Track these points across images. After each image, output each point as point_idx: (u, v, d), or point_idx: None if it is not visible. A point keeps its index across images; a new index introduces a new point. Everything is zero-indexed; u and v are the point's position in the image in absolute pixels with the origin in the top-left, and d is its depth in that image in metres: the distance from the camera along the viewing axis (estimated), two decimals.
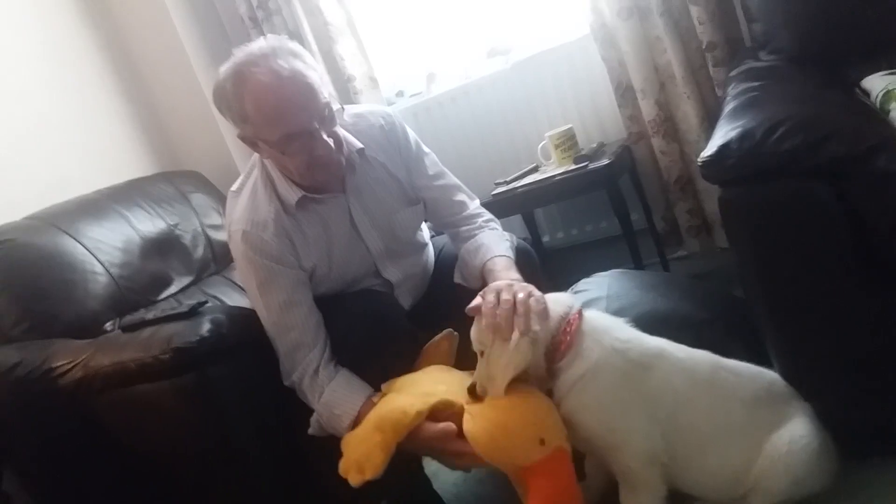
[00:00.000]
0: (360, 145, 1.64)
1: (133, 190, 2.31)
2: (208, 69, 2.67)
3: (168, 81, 2.71)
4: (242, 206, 1.61)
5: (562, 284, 1.96)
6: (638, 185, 2.46)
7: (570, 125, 2.40)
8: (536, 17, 2.59)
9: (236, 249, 1.61)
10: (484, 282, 1.58)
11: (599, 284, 1.84)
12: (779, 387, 1.43)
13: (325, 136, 1.50)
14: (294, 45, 1.53)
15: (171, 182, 2.42)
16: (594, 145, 2.42)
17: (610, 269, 2.13)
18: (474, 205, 1.78)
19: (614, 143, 2.43)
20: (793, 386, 1.44)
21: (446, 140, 2.67)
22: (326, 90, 1.53)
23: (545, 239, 2.71)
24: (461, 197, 1.78)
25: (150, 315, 1.82)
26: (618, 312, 1.69)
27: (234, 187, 1.67)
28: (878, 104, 1.57)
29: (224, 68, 1.52)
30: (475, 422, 1.36)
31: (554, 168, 2.37)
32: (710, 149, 1.41)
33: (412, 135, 1.76)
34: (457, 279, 1.71)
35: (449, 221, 1.76)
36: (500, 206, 2.37)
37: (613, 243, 2.50)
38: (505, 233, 1.74)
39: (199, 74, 2.67)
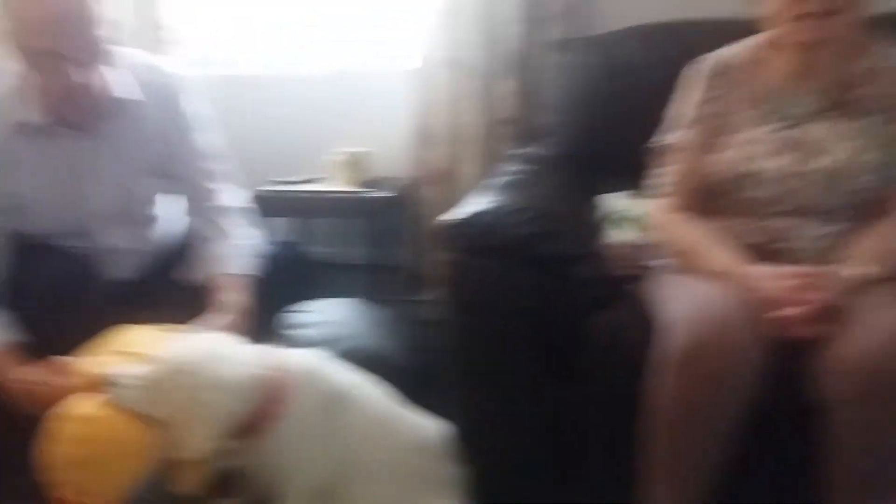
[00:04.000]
0: (135, 97, 1.55)
1: None
2: None
3: None
4: None
5: (311, 298, 1.97)
6: (409, 223, 2.52)
7: (365, 149, 2.42)
8: (372, 38, 2.60)
9: None
10: (208, 286, 1.55)
11: (325, 310, 1.86)
12: (441, 449, 1.49)
13: (80, 71, 1.41)
14: None
15: None
16: (380, 175, 2.45)
17: (360, 294, 2.18)
18: (236, 200, 1.72)
19: (398, 180, 2.49)
20: (463, 449, 1.52)
21: (240, 121, 2.58)
22: (104, 27, 1.44)
23: (312, 248, 2.69)
24: (223, 188, 1.72)
25: None
26: (335, 340, 1.73)
27: None
28: (607, 217, 1.75)
29: None
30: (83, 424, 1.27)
31: (338, 184, 2.38)
32: (455, 214, 1.50)
33: (204, 109, 1.69)
34: (182, 272, 1.64)
35: (199, 207, 1.69)
36: (274, 205, 2.34)
37: (371, 271, 2.54)
38: (251, 241, 1.68)
39: None
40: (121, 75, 1.53)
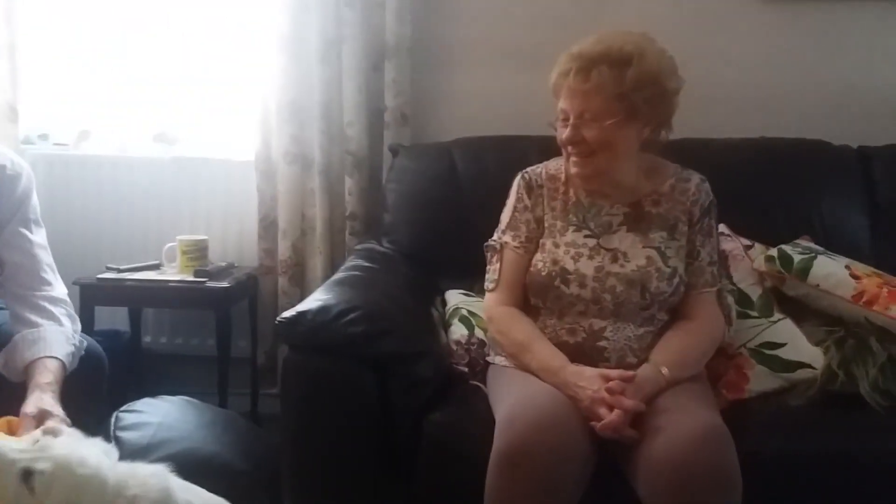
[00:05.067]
0: None
1: None
2: None
3: None
4: None
5: (149, 391, 1.96)
6: (254, 314, 2.49)
7: (205, 237, 2.39)
8: (210, 124, 2.60)
9: None
10: (26, 377, 1.46)
11: (157, 409, 1.79)
12: None
13: None
14: None
15: None
16: (223, 264, 2.42)
17: (200, 387, 2.10)
18: (60, 290, 1.65)
19: (244, 269, 2.47)
20: None
21: (73, 204, 2.49)
22: None
23: (146, 339, 2.58)
24: (49, 277, 1.64)
25: None
26: (162, 443, 1.67)
27: None
28: (446, 315, 1.83)
29: None
30: None
31: (175, 273, 2.33)
32: (291, 312, 1.52)
33: (34, 200, 1.65)
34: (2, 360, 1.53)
35: (23, 295, 1.59)
36: (107, 293, 2.28)
37: (212, 364, 2.47)
38: (76, 335, 1.61)
39: None
40: None
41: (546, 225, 1.61)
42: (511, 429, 1.31)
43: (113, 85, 2.60)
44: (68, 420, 1.40)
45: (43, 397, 1.41)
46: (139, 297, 2.32)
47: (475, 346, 1.71)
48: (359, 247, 2.14)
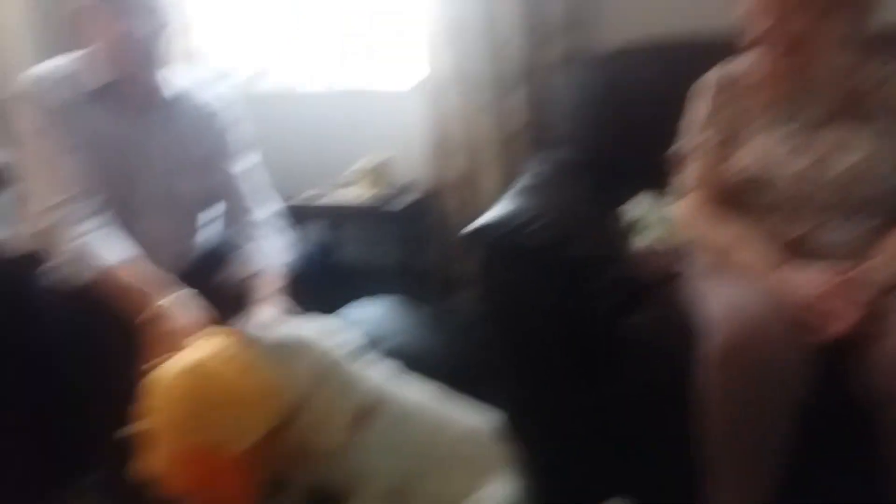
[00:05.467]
0: (183, 94, 1.67)
1: None
2: None
3: None
4: (45, 66, 1.61)
5: (342, 302, 2.08)
6: (435, 228, 2.62)
7: (387, 157, 2.52)
8: (384, 55, 2.69)
9: (20, 96, 1.59)
10: (245, 292, 1.63)
11: (368, 311, 1.94)
12: (493, 435, 1.55)
13: (147, 26, 1.54)
14: None
15: None
16: (405, 182, 2.55)
17: (393, 296, 2.26)
18: (270, 209, 1.81)
19: (422, 186, 2.58)
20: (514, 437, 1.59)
21: (267, 136, 2.65)
22: (170, 10, 1.59)
23: (340, 256, 2.80)
24: (264, 196, 1.81)
25: None
26: (383, 337, 1.81)
27: None
28: (632, 222, 1.82)
29: None
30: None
31: (364, 191, 2.49)
32: (474, 224, 1.58)
33: (248, 127, 1.81)
34: (222, 276, 1.71)
35: (238, 216, 1.78)
36: (304, 215, 2.42)
37: (402, 276, 2.64)
38: (291, 246, 1.77)
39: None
40: (174, 73, 1.65)
41: (740, 127, 1.53)
42: (728, 325, 1.27)
43: (282, 23, 2.74)
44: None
45: (266, 310, 1.57)
46: (337, 216, 2.53)
47: (666, 250, 1.69)
48: (534, 159, 2.15)
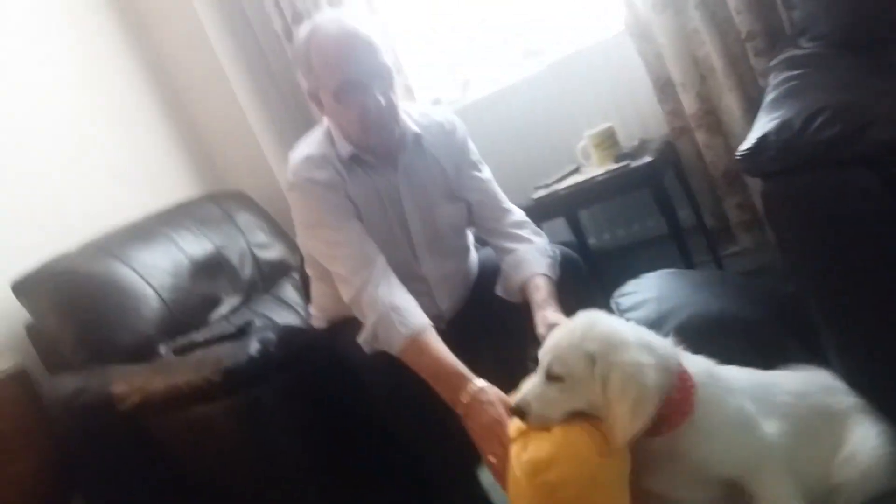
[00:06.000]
0: (418, 130, 1.69)
1: (180, 213, 2.37)
2: (246, 87, 2.73)
3: (208, 101, 2.76)
4: (300, 150, 1.68)
5: (611, 287, 1.95)
6: (684, 181, 2.40)
7: (609, 124, 2.36)
8: (570, 16, 2.57)
9: (290, 186, 1.66)
10: (525, 298, 1.60)
11: (648, 286, 1.80)
12: (834, 386, 1.38)
13: (378, 95, 1.56)
14: (366, 16, 1.65)
15: (217, 203, 2.47)
16: (636, 143, 2.37)
17: (659, 269, 2.09)
18: (519, 214, 1.79)
19: (656, 140, 2.39)
20: (850, 381, 1.39)
21: (485, 146, 2.59)
22: (389, 58, 1.60)
23: (591, 241, 2.67)
24: (507, 205, 1.79)
25: (200, 337, 1.87)
26: (667, 314, 1.68)
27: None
28: None
29: (304, 24, 1.65)
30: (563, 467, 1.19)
31: (595, 168, 2.34)
32: (749, 142, 1.39)
33: (472, 144, 1.81)
34: (499, 291, 1.70)
35: (493, 228, 1.76)
36: (543, 210, 2.35)
37: (662, 243, 2.45)
38: (548, 246, 1.73)
39: (237, 92, 2.71)
40: (402, 113, 1.67)
41: None
42: None
43: (470, 28, 2.71)
44: None
45: (545, 315, 1.51)
46: (576, 201, 2.38)
47: None
48: (774, 62, 1.88)
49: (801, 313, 1.55)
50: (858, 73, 1.61)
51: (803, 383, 1.37)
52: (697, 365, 1.27)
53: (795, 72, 1.69)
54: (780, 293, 1.85)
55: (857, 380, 1.39)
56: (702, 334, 1.54)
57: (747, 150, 1.37)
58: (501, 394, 1.41)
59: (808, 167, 1.32)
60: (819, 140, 1.30)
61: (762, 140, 1.36)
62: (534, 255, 1.67)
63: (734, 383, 1.29)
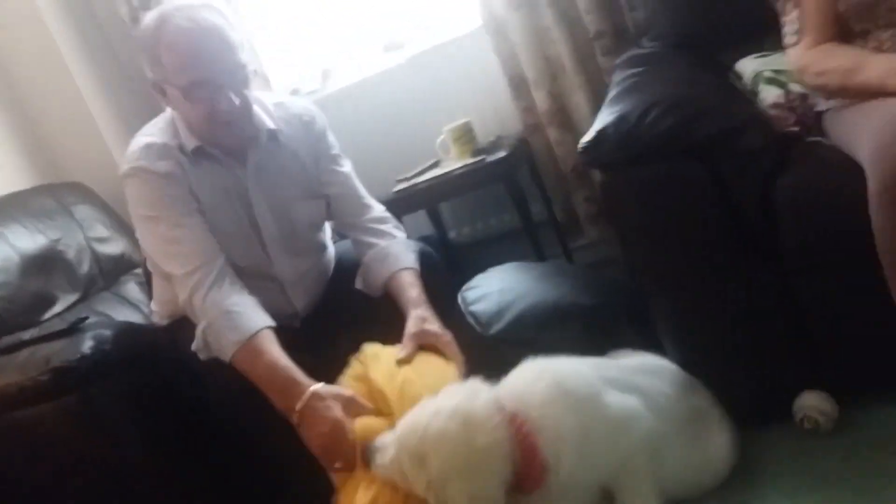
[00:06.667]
0: (272, 126, 1.62)
1: (9, 205, 2.19)
2: (87, 73, 2.56)
3: (45, 88, 2.56)
4: (140, 138, 1.58)
5: (469, 279, 2.01)
6: (536, 176, 2.47)
7: (467, 119, 2.39)
8: (430, 11, 2.58)
9: (126, 174, 1.56)
10: (390, 292, 1.59)
11: (492, 280, 1.87)
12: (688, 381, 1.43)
13: (231, 95, 1.48)
14: (221, 6, 1.53)
15: (53, 194, 2.30)
16: (492, 138, 2.42)
17: (512, 262, 2.15)
18: (380, 209, 1.77)
19: (511, 136, 2.44)
20: (684, 366, 1.47)
21: (344, 138, 2.54)
22: (245, 55, 1.52)
23: (451, 234, 2.70)
24: (368, 200, 1.76)
25: (28, 335, 1.72)
26: (508, 306, 1.75)
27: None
28: (748, 85, 1.63)
29: (151, 11, 1.54)
30: None
31: (454, 162, 2.36)
32: (589, 135, 1.46)
33: (332, 136, 1.76)
34: (358, 285, 1.68)
35: (353, 222, 1.73)
36: (404, 203, 2.35)
37: (517, 236, 2.51)
38: (410, 241, 1.72)
39: (77, 80, 2.53)
40: (257, 108, 1.60)
41: None
42: (887, 158, 1.12)
43: (330, 19, 2.66)
44: (448, 334, 1.50)
45: (421, 314, 1.52)
46: (436, 195, 2.39)
47: (797, 101, 1.52)
48: (618, 61, 1.98)
49: (638, 301, 1.63)
50: (693, 71, 1.73)
51: (658, 375, 1.40)
52: (540, 404, 1.23)
53: (636, 69, 1.79)
54: (620, 282, 1.95)
55: (690, 364, 1.47)
56: (539, 323, 1.60)
57: (588, 142, 1.44)
58: (338, 390, 1.39)
59: (644, 159, 1.39)
60: (653, 133, 1.38)
61: (601, 133, 1.42)
62: (400, 248, 1.67)
63: (583, 389, 1.26)
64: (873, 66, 1.30)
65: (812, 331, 1.40)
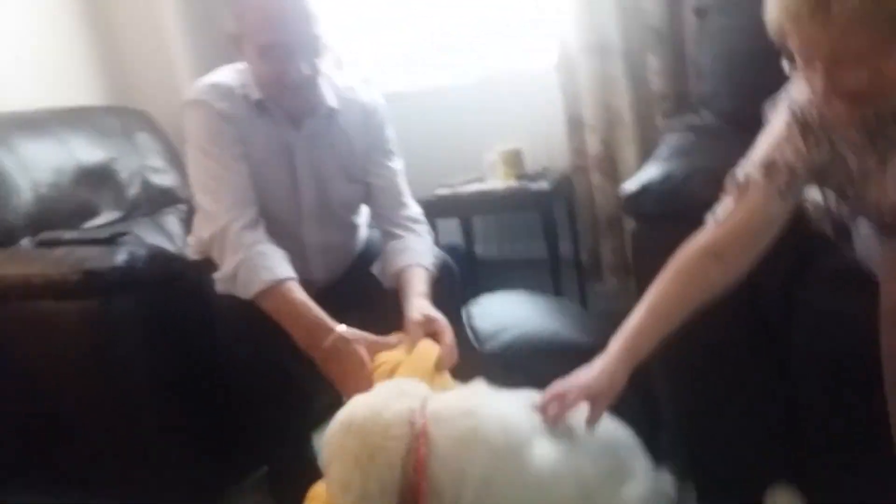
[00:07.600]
0: (335, 105, 1.70)
1: (79, 117, 2.29)
2: (177, 12, 2.65)
3: (133, 15, 2.67)
4: (210, 77, 1.67)
5: (483, 294, 2.11)
6: (572, 214, 2.55)
7: (519, 146, 2.49)
8: (507, 39, 2.67)
9: (187, 104, 1.65)
10: (399, 284, 1.63)
11: (496, 302, 1.92)
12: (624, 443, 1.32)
13: (302, 63, 1.57)
14: None
15: (119, 117, 2.41)
16: (538, 168, 2.50)
17: (530, 289, 2.22)
18: (416, 211, 1.82)
19: (557, 171, 2.52)
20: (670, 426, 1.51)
21: (400, 134, 2.63)
22: (321, 28, 1.60)
23: (478, 248, 2.78)
24: (408, 199, 1.82)
25: (68, 236, 1.81)
26: (505, 327, 1.81)
27: None
28: None
29: None
30: None
31: (497, 181, 2.46)
32: (634, 184, 1.51)
33: (390, 131, 1.83)
34: (375, 271, 1.74)
35: (387, 215, 1.79)
36: (441, 208, 2.47)
37: (539, 266, 2.58)
38: (435, 248, 1.78)
39: (165, 15, 2.63)
40: (325, 84, 1.69)
41: None
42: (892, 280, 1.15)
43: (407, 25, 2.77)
44: (449, 325, 1.53)
45: (424, 304, 1.56)
46: (474, 208, 2.49)
47: (835, 204, 1.56)
48: (675, 123, 2.04)
49: None
50: (740, 146, 1.78)
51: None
52: (453, 443, 1.15)
53: (689, 135, 1.86)
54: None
55: (677, 426, 1.52)
56: (532, 351, 1.65)
57: (632, 191, 1.50)
58: (364, 334, 1.46)
59: (680, 218, 1.44)
60: (695, 196, 1.43)
61: (646, 185, 1.49)
62: (421, 246, 1.72)
63: (502, 442, 1.16)
64: None
65: (805, 434, 1.42)
